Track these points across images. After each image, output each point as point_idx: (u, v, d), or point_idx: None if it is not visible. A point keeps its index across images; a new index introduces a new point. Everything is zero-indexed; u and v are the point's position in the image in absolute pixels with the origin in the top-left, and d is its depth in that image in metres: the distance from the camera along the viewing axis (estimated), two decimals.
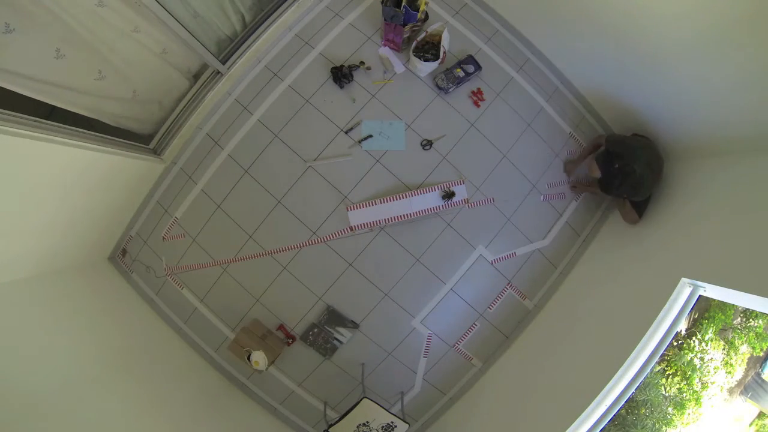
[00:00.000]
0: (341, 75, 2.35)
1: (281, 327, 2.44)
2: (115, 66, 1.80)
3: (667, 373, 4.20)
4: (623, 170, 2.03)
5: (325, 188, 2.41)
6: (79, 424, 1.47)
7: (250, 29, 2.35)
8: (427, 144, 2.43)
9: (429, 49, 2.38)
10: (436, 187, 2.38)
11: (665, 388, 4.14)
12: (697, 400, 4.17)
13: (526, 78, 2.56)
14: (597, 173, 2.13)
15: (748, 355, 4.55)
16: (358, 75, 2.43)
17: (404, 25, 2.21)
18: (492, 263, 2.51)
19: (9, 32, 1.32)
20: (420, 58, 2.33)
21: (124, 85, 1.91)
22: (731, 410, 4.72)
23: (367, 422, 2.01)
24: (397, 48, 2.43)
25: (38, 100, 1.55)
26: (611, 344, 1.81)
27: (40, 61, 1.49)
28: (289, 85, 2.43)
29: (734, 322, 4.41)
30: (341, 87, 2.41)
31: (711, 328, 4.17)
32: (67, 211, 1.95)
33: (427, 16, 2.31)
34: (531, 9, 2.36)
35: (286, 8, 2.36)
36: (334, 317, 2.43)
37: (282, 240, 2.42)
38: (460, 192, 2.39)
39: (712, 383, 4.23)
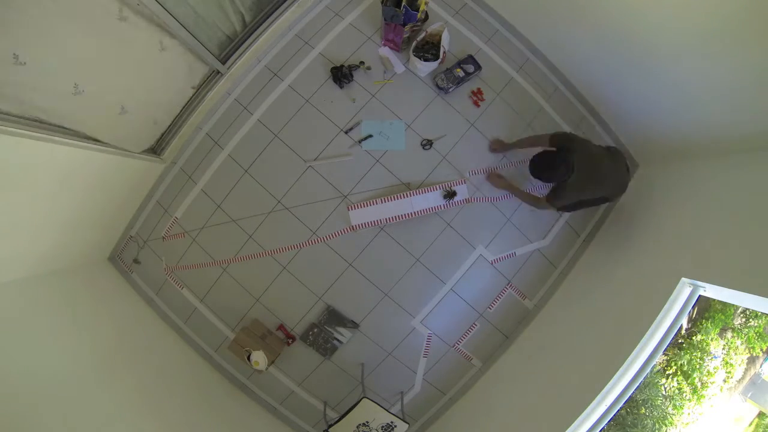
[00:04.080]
0: (341, 75, 2.35)
1: (281, 327, 2.44)
2: (136, 98, 1.83)
3: (667, 372, 4.20)
4: (565, 159, 1.83)
5: (325, 188, 2.41)
6: (77, 424, 1.47)
7: (250, 29, 2.34)
8: (427, 144, 2.43)
9: (429, 49, 2.38)
10: (437, 187, 2.38)
11: (665, 388, 4.15)
12: (697, 400, 4.17)
13: (526, 78, 2.56)
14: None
15: (748, 355, 4.55)
16: (358, 75, 2.43)
17: (404, 25, 2.21)
18: (492, 263, 2.51)
19: (20, 64, 1.32)
20: (420, 58, 2.33)
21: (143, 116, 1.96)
22: (731, 410, 4.73)
23: (367, 422, 2.01)
24: (397, 48, 2.43)
25: None
26: (611, 344, 1.81)
27: (57, 95, 1.51)
28: (289, 85, 2.43)
29: (734, 322, 4.41)
30: (341, 87, 2.41)
31: (711, 328, 4.17)
32: (66, 211, 1.95)
33: (427, 16, 2.31)
34: (531, 9, 2.36)
35: (286, 8, 2.36)
36: (333, 317, 2.43)
37: (282, 240, 2.42)
38: (462, 191, 2.39)
39: (712, 383, 4.24)
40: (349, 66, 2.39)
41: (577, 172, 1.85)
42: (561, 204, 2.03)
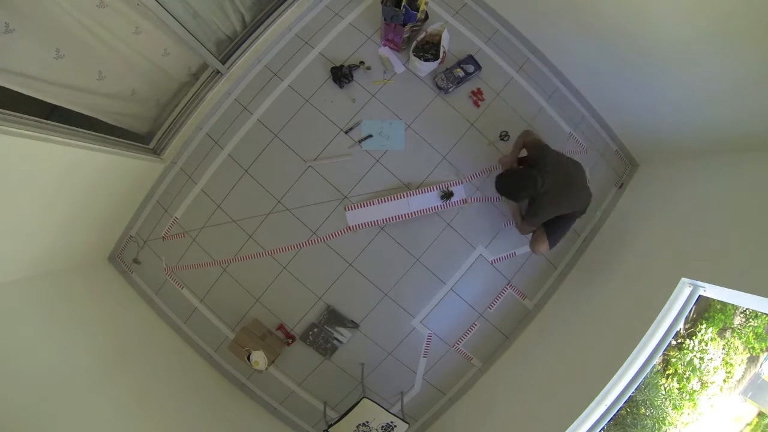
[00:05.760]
0: (341, 75, 2.35)
1: (281, 327, 2.44)
2: (115, 66, 1.80)
3: (667, 372, 4.21)
4: (528, 174, 1.84)
5: (325, 188, 2.41)
6: (77, 425, 1.47)
7: (250, 29, 2.34)
8: (505, 136, 2.44)
9: (429, 49, 2.38)
10: (435, 187, 2.38)
11: (665, 388, 4.15)
12: (696, 400, 4.17)
13: (526, 78, 2.56)
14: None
15: (748, 355, 4.56)
16: (358, 75, 2.43)
17: (404, 25, 2.21)
18: (492, 263, 2.51)
19: (9, 32, 1.32)
20: (420, 58, 2.33)
21: (123, 85, 1.91)
22: (731, 410, 4.73)
23: (367, 422, 2.01)
24: (397, 48, 2.43)
25: (38, 101, 1.55)
26: (611, 344, 1.81)
27: (40, 61, 1.49)
28: (289, 85, 2.43)
29: (734, 322, 4.41)
30: (341, 87, 2.41)
31: (711, 328, 4.17)
32: (66, 211, 1.95)
33: (427, 16, 2.31)
34: (531, 9, 2.36)
35: (286, 8, 2.36)
36: (333, 317, 2.43)
37: (282, 240, 2.42)
38: (459, 192, 2.39)
39: (712, 383, 4.24)
40: (349, 66, 2.39)
41: (553, 183, 1.83)
42: (539, 221, 1.99)
